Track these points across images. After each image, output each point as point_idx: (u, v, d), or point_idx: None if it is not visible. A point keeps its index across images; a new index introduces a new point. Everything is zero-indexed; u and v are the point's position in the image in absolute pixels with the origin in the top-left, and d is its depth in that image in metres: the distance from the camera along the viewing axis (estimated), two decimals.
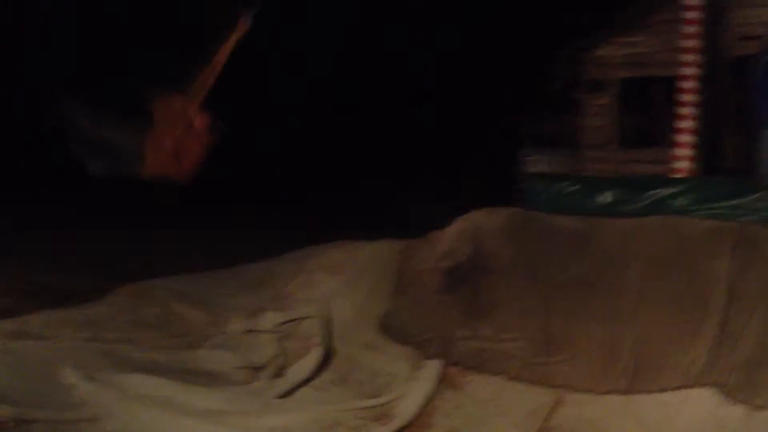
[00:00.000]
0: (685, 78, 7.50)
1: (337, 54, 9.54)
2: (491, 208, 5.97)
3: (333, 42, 9.51)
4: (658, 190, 5.79)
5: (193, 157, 5.32)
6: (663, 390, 4.67)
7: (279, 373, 5.32)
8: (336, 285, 6.13)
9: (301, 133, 9.96)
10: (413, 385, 4.93)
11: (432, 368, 5.09)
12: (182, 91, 5.30)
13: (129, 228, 7.86)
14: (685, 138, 7.22)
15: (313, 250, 6.74)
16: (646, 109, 8.36)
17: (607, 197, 5.88)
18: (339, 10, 9.05)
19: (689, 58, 7.57)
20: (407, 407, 4.68)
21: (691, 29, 7.65)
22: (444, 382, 4.99)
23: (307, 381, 5.15)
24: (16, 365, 4.76)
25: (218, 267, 7.00)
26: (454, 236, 5.79)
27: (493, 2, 9.48)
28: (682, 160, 7.14)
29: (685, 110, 7.35)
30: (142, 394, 4.66)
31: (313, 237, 6.99)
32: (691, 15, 7.67)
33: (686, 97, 7.39)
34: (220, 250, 7.21)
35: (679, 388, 4.65)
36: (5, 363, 4.73)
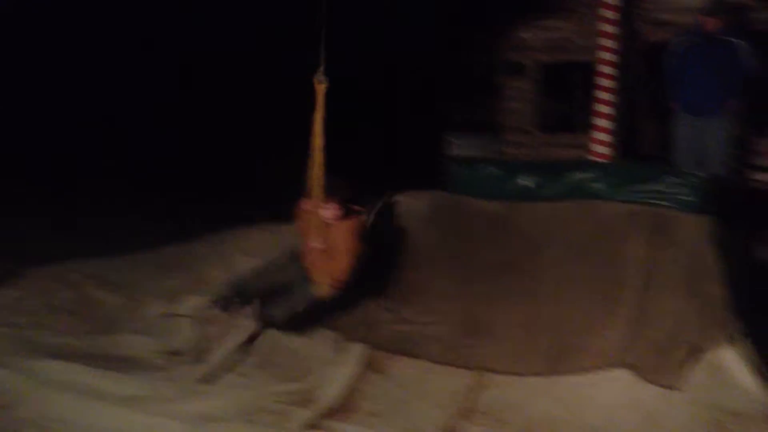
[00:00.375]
0: (603, 63, 7.67)
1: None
2: (415, 191, 5.99)
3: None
4: (576, 175, 5.84)
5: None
6: (582, 371, 4.76)
7: (200, 358, 5.24)
8: (255, 267, 6.04)
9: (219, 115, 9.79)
10: (336, 369, 4.91)
11: (355, 352, 5.08)
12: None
13: (43, 211, 7.60)
14: (604, 123, 7.41)
15: (232, 232, 6.63)
16: (566, 94, 8.53)
17: (527, 181, 5.91)
18: None
19: (607, 43, 7.74)
20: (330, 391, 4.65)
21: (609, 14, 7.81)
22: (367, 365, 4.99)
23: (228, 366, 5.08)
24: None
25: (136, 251, 6.82)
26: (375, 220, 5.77)
27: None
28: (601, 144, 7.33)
29: (603, 95, 7.53)
30: (58, 381, 4.51)
31: (233, 220, 6.90)
32: (608, 0, 7.84)
33: (604, 83, 7.57)
34: (138, 233, 7.03)
35: (597, 369, 4.74)
36: None
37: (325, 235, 5.14)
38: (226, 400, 4.56)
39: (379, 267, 5.52)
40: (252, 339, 5.29)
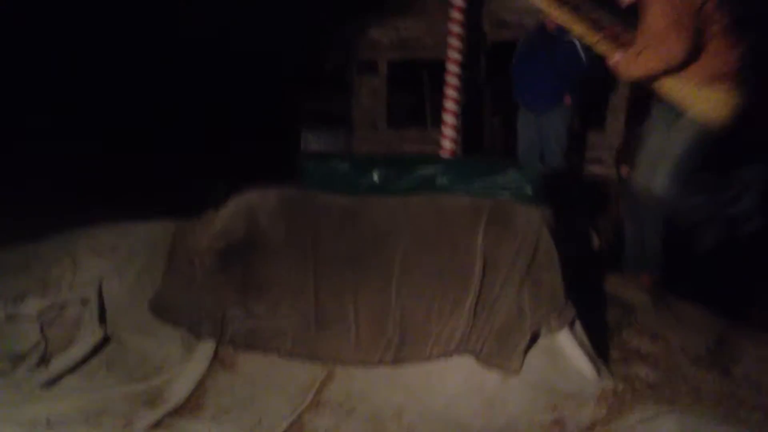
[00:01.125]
0: (450, 61, 7.95)
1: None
2: (265, 187, 6.00)
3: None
4: (423, 169, 6.04)
5: None
6: (427, 359, 4.96)
7: (43, 362, 5.07)
8: (105, 267, 5.86)
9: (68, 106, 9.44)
10: (184, 366, 4.90)
11: (204, 349, 5.08)
12: None
13: None
14: (450, 119, 7.68)
15: (81, 231, 6.39)
16: (414, 91, 8.78)
17: (376, 176, 6.06)
18: None
19: (453, 42, 8.03)
20: (178, 389, 4.65)
21: (455, 15, 8.11)
22: (216, 362, 5.00)
23: (74, 368, 4.95)
24: None
25: None
26: (228, 216, 5.73)
27: None
28: (448, 140, 7.59)
29: (450, 92, 7.81)
30: None
31: (81, 217, 6.65)
32: (455, 1, 8.13)
33: (451, 80, 7.85)
34: None
35: (440, 356, 4.94)
36: None
37: None
38: (70, 404, 4.47)
39: (230, 263, 5.53)
40: (98, 341, 5.17)
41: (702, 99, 4.88)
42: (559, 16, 5.41)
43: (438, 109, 7.84)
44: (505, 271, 5.19)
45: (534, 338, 4.89)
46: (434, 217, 5.62)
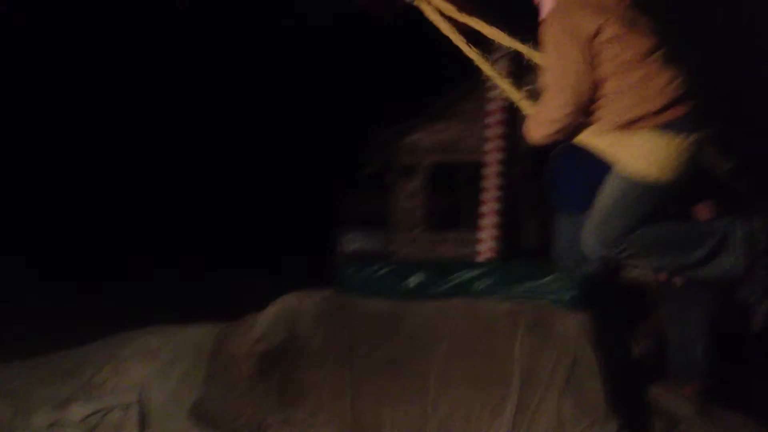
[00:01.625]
0: (488, 163, 8.07)
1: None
2: (305, 290, 6.09)
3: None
4: (461, 274, 6.07)
5: None
6: None
7: None
8: (148, 372, 5.96)
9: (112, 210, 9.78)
10: None
11: None
12: None
13: None
14: (489, 221, 7.75)
15: (126, 334, 6.53)
16: (454, 193, 8.85)
17: (414, 280, 6.10)
18: None
19: (492, 144, 8.17)
20: None
21: (495, 118, 8.27)
22: None
23: None
24: None
25: (27, 354, 6.64)
26: (269, 319, 5.82)
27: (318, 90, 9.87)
28: (486, 242, 7.64)
29: (488, 194, 7.90)
30: None
31: (128, 319, 6.81)
32: (494, 105, 8.30)
33: (490, 182, 7.95)
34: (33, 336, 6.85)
35: None
36: None
37: None
38: None
39: (269, 368, 5.57)
40: None
41: (623, 148, 3.89)
42: (486, 69, 4.49)
43: (475, 211, 7.91)
44: (545, 380, 5.13)
45: None
46: (472, 322, 5.63)
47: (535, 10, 3.93)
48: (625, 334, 6.39)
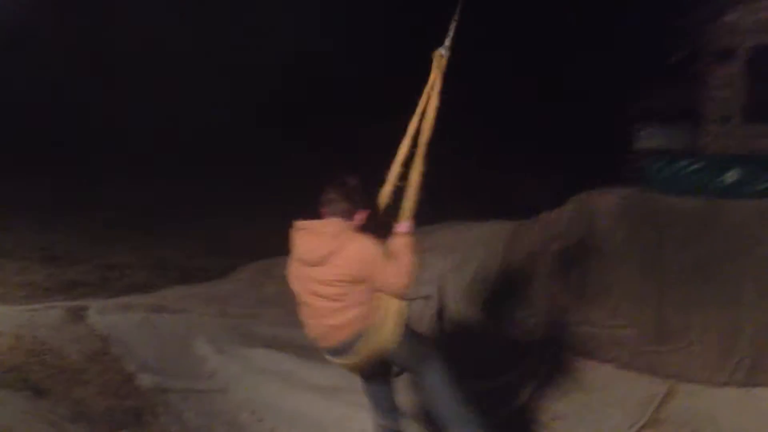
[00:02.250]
0: None
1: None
2: (605, 188, 5.86)
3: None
4: None
5: None
6: None
7: None
8: (445, 266, 6.20)
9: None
10: (521, 369, 4.99)
11: (541, 352, 5.13)
12: None
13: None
14: None
15: (422, 230, 6.80)
16: None
17: (730, 177, 5.57)
18: None
19: None
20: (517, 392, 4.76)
21: None
22: (553, 368, 5.03)
23: None
24: (156, 337, 5.20)
25: None
26: (566, 217, 5.71)
27: None
28: None
29: None
30: (265, 368, 4.97)
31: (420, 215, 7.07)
32: None
33: None
34: None
35: None
36: (147, 334, 5.17)
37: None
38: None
39: (566, 266, 5.50)
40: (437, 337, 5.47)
41: None
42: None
43: None
44: None
45: None
46: None
47: None
48: None
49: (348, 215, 3.55)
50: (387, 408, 3.98)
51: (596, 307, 5.25)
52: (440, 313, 5.73)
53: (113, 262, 7.34)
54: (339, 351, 3.63)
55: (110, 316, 5.29)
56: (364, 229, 3.59)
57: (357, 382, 4.93)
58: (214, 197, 10.33)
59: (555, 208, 5.96)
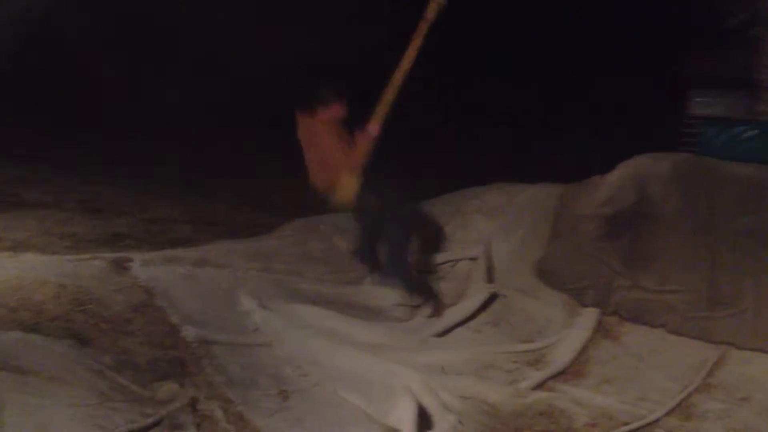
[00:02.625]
0: None
1: None
2: (658, 153, 5.72)
3: None
4: None
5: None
6: None
7: (437, 313, 5.50)
8: (493, 228, 6.13)
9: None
10: (569, 332, 4.92)
11: (589, 316, 5.05)
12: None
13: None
14: None
15: (469, 191, 6.74)
16: None
17: None
18: None
19: None
20: (562, 354, 4.69)
21: None
22: (600, 331, 4.95)
23: (463, 321, 5.27)
24: (199, 291, 5.20)
25: None
26: (617, 182, 5.59)
27: None
28: None
29: None
30: (309, 324, 4.97)
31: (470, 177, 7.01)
32: None
33: None
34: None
35: None
36: (190, 288, 5.18)
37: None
38: (462, 354, 4.76)
39: (617, 231, 5.41)
40: (486, 298, 5.44)
41: None
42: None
43: None
44: None
45: None
46: None
47: None
48: None
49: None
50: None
51: (647, 273, 5.15)
52: (489, 275, 5.68)
53: (157, 216, 7.38)
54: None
55: (154, 269, 5.30)
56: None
57: (402, 340, 4.98)
58: (264, 154, 10.31)
59: (605, 172, 5.83)
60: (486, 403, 4.14)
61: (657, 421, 4.11)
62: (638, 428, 4.03)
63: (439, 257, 6.12)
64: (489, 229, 6.14)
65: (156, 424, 3.53)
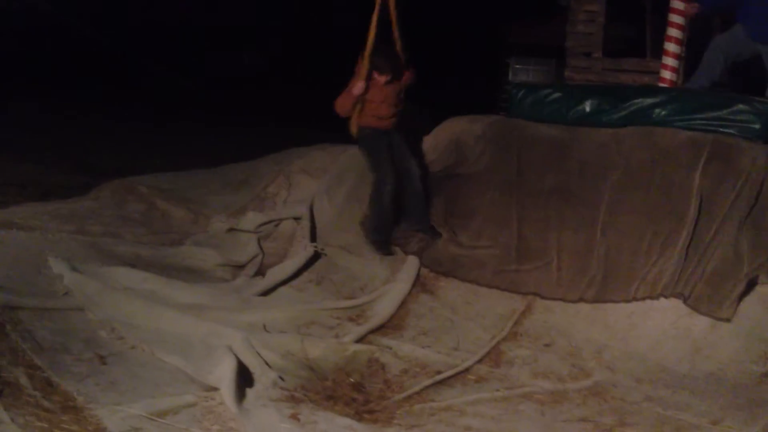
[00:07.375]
0: None
1: None
2: (472, 115, 5.98)
3: None
4: (639, 100, 5.65)
5: None
6: (631, 300, 4.78)
7: (259, 272, 5.48)
8: (316, 187, 6.18)
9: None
10: (389, 287, 5.08)
11: (409, 272, 5.22)
12: None
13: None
14: (672, 48, 7.13)
15: (294, 151, 6.75)
16: (635, 17, 8.17)
17: (587, 106, 5.77)
18: None
19: None
20: (382, 308, 4.85)
21: None
22: (419, 285, 5.15)
23: (287, 281, 5.28)
24: (5, 254, 4.91)
25: (203, 168, 7.06)
26: (434, 143, 5.80)
27: None
28: (668, 71, 7.06)
29: (674, 18, 7.21)
30: (126, 287, 4.81)
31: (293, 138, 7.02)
32: None
33: (677, 5, 7.22)
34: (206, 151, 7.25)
35: (646, 298, 4.75)
36: None
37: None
38: (284, 313, 4.79)
39: (434, 190, 5.61)
40: (309, 257, 5.48)
41: None
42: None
43: (659, 38, 7.27)
44: (723, 212, 4.85)
45: (750, 285, 4.57)
46: (648, 152, 5.32)
47: None
48: None
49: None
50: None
51: (462, 229, 5.42)
52: (313, 234, 5.71)
53: None
54: None
55: None
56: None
57: (224, 300, 4.93)
58: (85, 115, 9.73)
59: (424, 133, 6.03)
60: (307, 358, 4.20)
61: (469, 369, 4.33)
62: (451, 376, 4.22)
63: (262, 217, 6.09)
64: (312, 189, 6.19)
65: None
